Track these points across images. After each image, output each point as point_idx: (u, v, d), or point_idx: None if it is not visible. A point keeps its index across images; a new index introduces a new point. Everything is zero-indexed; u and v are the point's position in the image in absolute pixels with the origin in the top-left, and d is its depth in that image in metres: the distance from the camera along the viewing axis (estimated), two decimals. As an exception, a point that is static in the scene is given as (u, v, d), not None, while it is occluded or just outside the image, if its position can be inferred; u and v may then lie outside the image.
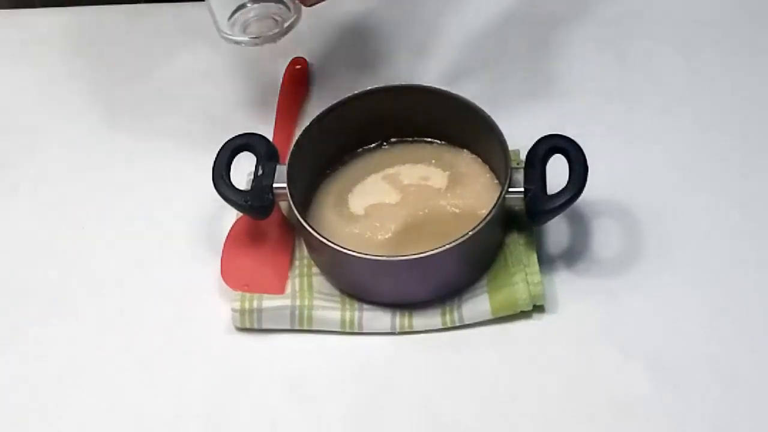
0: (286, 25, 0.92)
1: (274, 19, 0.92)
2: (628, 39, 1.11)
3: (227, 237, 0.96)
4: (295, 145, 0.94)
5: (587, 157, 0.90)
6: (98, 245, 0.98)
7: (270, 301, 0.91)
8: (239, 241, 0.96)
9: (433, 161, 0.99)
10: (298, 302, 0.92)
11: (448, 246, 0.88)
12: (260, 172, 0.93)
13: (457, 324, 0.91)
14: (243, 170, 0.96)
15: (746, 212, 0.97)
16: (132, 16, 1.18)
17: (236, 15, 0.93)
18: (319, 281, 0.94)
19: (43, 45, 1.16)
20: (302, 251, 0.96)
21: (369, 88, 0.97)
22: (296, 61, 1.09)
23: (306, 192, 0.97)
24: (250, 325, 0.92)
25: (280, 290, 0.93)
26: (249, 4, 0.92)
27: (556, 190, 0.89)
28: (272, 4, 0.92)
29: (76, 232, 1.00)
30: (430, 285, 0.92)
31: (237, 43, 0.92)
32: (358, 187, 0.97)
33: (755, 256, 0.94)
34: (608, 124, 1.03)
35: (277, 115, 1.04)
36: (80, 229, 1.00)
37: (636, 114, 1.03)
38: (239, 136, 0.95)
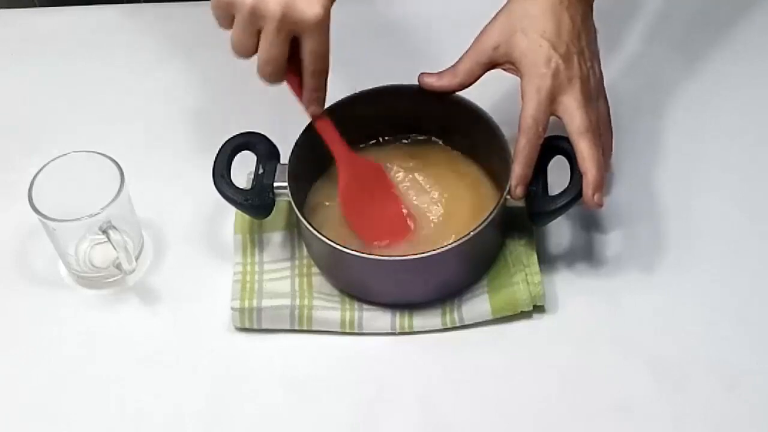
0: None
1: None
2: (627, 38, 1.11)
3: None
4: (295, 145, 0.94)
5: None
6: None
7: (270, 301, 0.91)
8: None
9: (433, 161, 0.99)
10: (297, 302, 0.91)
11: (448, 246, 0.88)
12: (261, 170, 0.93)
13: (457, 324, 0.91)
14: (244, 169, 0.96)
15: (746, 212, 0.97)
16: (132, 16, 1.18)
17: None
18: (319, 281, 0.94)
19: (43, 45, 1.16)
20: (302, 251, 0.96)
21: (369, 88, 0.97)
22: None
23: (307, 191, 0.97)
24: (250, 324, 0.92)
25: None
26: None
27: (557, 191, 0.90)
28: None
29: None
30: (430, 285, 0.91)
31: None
32: (359, 187, 0.97)
33: (755, 256, 0.94)
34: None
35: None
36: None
37: (635, 115, 1.03)
38: (239, 135, 0.95)
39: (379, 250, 0.92)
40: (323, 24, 0.85)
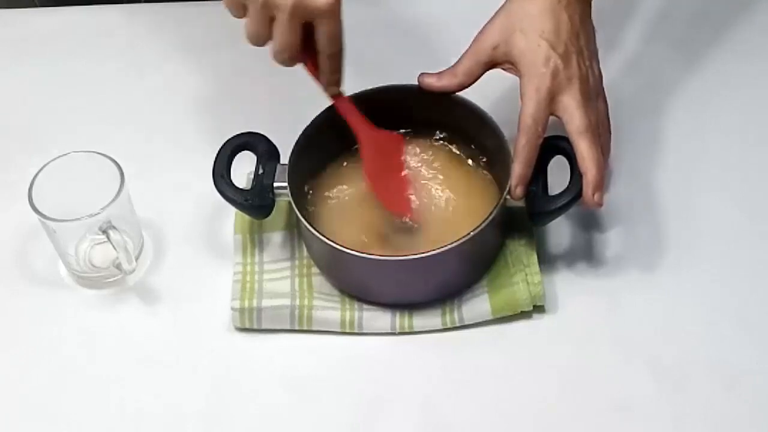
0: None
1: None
2: (627, 38, 1.11)
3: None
4: (295, 144, 0.94)
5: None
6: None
7: (270, 301, 0.91)
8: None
9: (434, 161, 0.99)
10: (297, 302, 0.91)
11: (448, 246, 0.88)
12: (261, 170, 0.93)
13: (458, 324, 0.91)
14: (244, 169, 0.96)
15: (746, 212, 0.97)
16: (131, 16, 1.18)
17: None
18: (319, 281, 0.94)
19: (43, 45, 1.16)
20: (302, 251, 0.96)
21: (369, 88, 0.97)
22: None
23: (307, 190, 0.97)
24: (250, 324, 0.92)
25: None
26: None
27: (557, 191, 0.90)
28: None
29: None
30: (430, 285, 0.91)
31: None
32: (359, 187, 0.97)
33: (755, 256, 0.94)
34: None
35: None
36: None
37: (635, 115, 1.03)
38: (239, 135, 0.95)
39: (378, 250, 0.92)
40: (335, 8, 0.86)
